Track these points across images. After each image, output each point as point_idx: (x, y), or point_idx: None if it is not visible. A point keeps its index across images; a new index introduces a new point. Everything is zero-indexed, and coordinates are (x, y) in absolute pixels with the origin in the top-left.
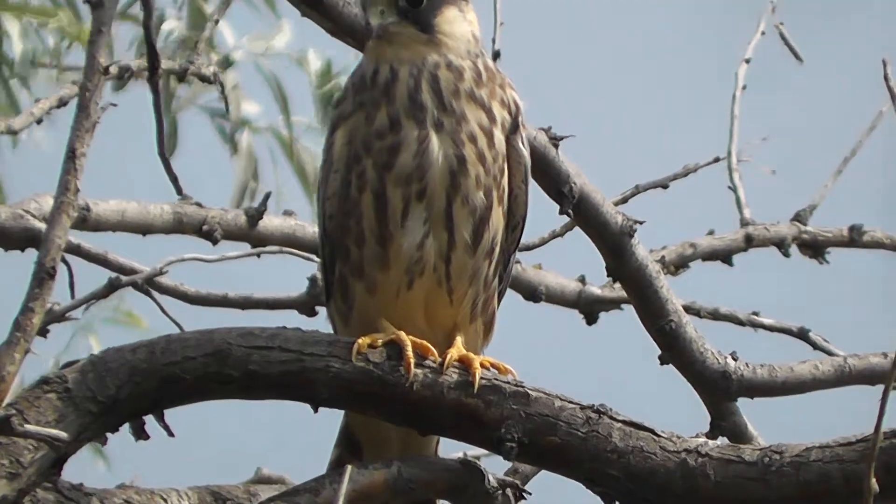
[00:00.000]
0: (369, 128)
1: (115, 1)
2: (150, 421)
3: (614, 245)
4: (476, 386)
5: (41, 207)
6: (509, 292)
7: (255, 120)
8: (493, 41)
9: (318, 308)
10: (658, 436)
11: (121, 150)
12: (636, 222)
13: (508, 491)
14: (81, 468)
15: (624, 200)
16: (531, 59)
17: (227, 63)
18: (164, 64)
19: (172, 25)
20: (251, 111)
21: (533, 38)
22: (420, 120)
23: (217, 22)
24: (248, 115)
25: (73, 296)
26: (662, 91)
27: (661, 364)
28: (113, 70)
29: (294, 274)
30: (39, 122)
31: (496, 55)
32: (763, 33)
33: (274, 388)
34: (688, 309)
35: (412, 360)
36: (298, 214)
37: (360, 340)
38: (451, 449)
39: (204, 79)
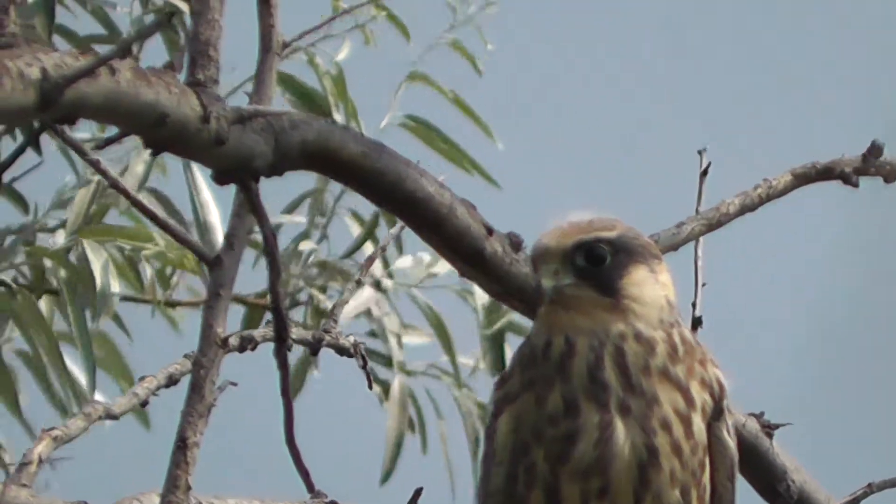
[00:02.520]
0: (540, 411)
1: (237, 259)
2: None
3: None
4: None
5: None
6: None
7: (409, 361)
8: (693, 306)
9: None
10: None
11: (240, 424)
12: None
13: None
14: None
15: (854, 502)
16: (736, 325)
17: (377, 289)
18: (295, 333)
19: (310, 246)
20: (406, 348)
21: (739, 299)
22: (602, 402)
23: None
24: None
25: None
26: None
27: None
28: (232, 341)
29: None
30: (144, 405)
31: (696, 323)
32: None
33: None
34: None
35: None
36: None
37: None
38: None
39: (343, 351)
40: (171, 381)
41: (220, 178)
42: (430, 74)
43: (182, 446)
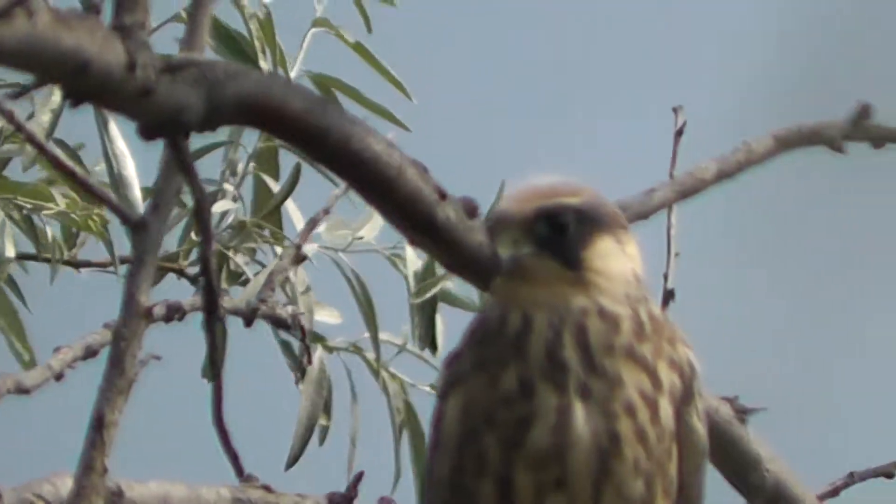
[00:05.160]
0: (493, 393)
1: (162, 221)
2: None
3: None
4: None
5: (57, 492)
6: None
7: (331, 336)
8: (665, 279)
9: None
10: None
11: (161, 403)
12: None
13: None
14: None
15: (834, 493)
16: (711, 299)
17: (296, 259)
18: (227, 302)
19: (227, 206)
20: (326, 323)
21: (714, 273)
22: (560, 384)
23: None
24: (322, 329)
25: None
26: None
27: None
28: (158, 311)
29: None
30: (59, 377)
31: (668, 297)
32: None
33: None
34: None
35: None
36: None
37: None
38: None
39: (280, 323)
40: (90, 353)
41: (147, 133)
42: (336, 24)
43: (98, 425)
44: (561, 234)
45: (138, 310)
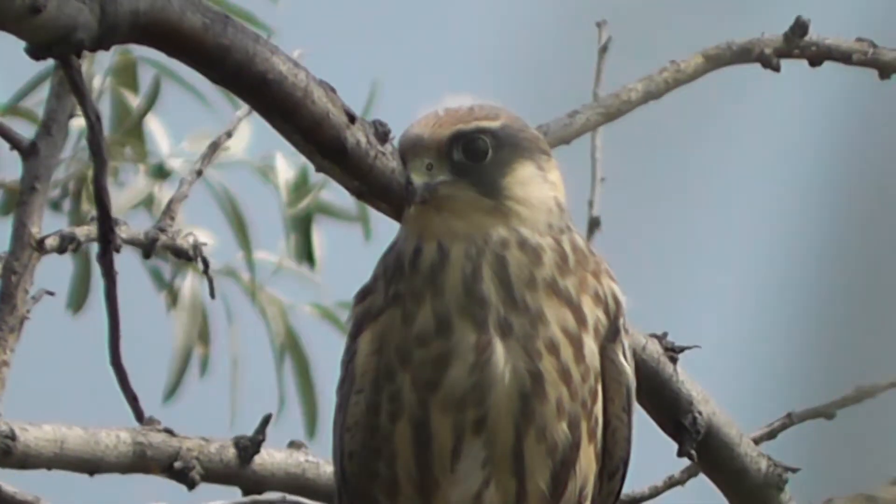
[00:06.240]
0: (408, 330)
1: (56, 146)
2: None
3: (755, 500)
4: None
5: None
6: None
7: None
8: (590, 205)
9: None
10: None
11: (57, 347)
12: (788, 469)
13: None
14: None
15: (771, 435)
16: (640, 227)
17: (160, 174)
18: (124, 232)
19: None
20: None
21: (644, 197)
22: (479, 320)
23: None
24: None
25: None
26: None
27: None
28: (51, 243)
29: None
30: None
31: (592, 225)
32: None
33: None
34: None
35: None
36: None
37: None
38: None
39: (180, 254)
40: None
41: (36, 53)
42: None
43: None
44: (479, 160)
45: (30, 241)
